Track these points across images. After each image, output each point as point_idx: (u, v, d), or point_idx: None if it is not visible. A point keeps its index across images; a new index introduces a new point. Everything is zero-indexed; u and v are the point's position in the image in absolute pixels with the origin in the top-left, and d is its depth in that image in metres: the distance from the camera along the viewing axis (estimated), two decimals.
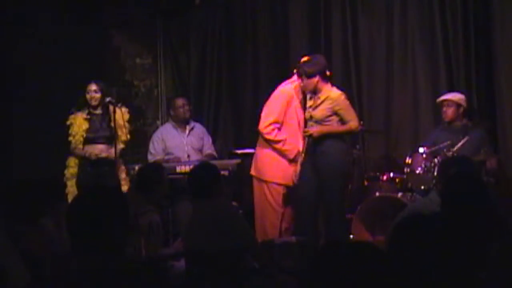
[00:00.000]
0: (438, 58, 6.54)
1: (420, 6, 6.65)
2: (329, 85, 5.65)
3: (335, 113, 5.58)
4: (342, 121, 5.60)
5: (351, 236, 5.93)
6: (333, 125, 5.59)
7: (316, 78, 5.56)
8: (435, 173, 5.62)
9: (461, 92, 6.12)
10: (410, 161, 5.86)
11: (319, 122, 5.61)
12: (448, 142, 5.68)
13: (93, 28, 7.14)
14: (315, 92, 5.62)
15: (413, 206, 4.52)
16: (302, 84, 5.66)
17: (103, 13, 7.34)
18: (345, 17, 7.00)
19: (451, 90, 6.30)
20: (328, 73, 5.65)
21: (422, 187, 5.77)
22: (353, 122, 5.59)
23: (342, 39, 7.01)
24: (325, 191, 5.53)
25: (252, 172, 5.98)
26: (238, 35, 7.57)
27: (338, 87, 5.75)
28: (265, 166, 5.88)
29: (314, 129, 5.57)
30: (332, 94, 5.59)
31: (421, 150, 5.80)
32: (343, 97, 5.62)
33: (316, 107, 5.61)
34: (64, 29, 6.83)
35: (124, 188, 5.89)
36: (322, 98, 5.58)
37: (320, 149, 5.56)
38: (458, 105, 5.96)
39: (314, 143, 5.61)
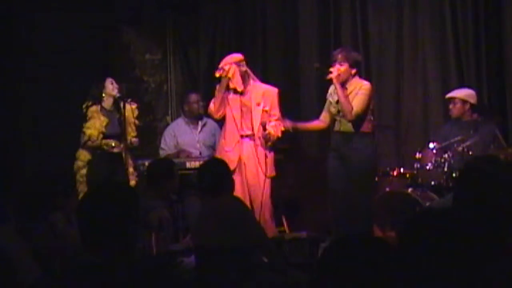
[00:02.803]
0: (448, 53, 6.51)
1: (430, 1, 6.63)
2: (358, 78, 5.55)
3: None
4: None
5: None
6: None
7: (349, 66, 5.45)
8: (445, 169, 5.61)
9: (471, 87, 6.11)
10: (420, 157, 5.85)
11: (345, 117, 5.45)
12: (459, 138, 5.66)
13: (103, 23, 7.15)
14: (344, 83, 5.48)
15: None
16: (337, 71, 5.45)
17: (113, 8, 7.34)
18: (355, 12, 6.97)
19: (461, 85, 6.27)
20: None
21: (433, 183, 5.76)
22: (356, 109, 5.38)
23: (352, 35, 6.97)
24: (354, 187, 5.40)
25: None
26: (248, 30, 7.54)
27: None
28: None
29: (335, 75, 5.41)
30: (361, 84, 5.48)
31: (431, 145, 5.78)
32: (369, 86, 5.49)
33: (339, 101, 5.47)
34: (75, 24, 6.84)
35: (132, 183, 5.90)
36: (350, 89, 5.46)
37: (350, 145, 5.44)
38: (463, 101, 5.93)
39: (343, 139, 5.48)
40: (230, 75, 5.73)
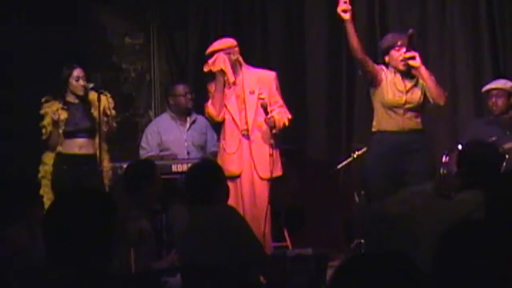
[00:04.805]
0: (482, 39, 6.54)
1: None
2: None
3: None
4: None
5: None
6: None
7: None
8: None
9: (508, 79, 6.12)
10: (447, 160, 5.83)
11: (415, 110, 5.54)
12: (494, 138, 5.65)
13: (74, 1, 7.14)
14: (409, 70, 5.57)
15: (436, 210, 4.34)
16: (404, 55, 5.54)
17: None
18: None
19: (496, 77, 6.26)
20: None
21: None
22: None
23: (367, 20, 7.00)
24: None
25: None
26: (245, 11, 7.55)
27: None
28: None
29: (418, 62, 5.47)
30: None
31: (460, 147, 5.76)
32: None
33: (411, 88, 5.55)
34: (39, 2, 6.85)
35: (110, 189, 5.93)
36: (415, 78, 5.57)
37: (413, 146, 5.48)
38: (509, 94, 5.95)
39: (404, 135, 5.51)
40: (222, 66, 5.73)
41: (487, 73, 6.46)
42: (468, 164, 3.48)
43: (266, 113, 5.71)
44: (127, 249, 4.41)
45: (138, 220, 4.53)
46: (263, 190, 5.78)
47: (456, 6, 6.68)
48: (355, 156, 6.37)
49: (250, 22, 7.51)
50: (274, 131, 5.73)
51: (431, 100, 5.55)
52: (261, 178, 5.75)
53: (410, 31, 5.70)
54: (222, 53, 5.78)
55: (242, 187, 5.78)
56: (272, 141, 5.76)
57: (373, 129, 5.66)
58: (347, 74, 7.03)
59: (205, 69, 5.83)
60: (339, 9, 5.41)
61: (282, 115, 5.78)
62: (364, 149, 6.31)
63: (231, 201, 5.14)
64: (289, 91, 6.13)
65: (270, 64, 6.77)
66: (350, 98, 7.07)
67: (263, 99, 5.74)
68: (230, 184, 5.42)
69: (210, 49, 5.85)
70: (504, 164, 5.39)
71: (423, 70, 5.50)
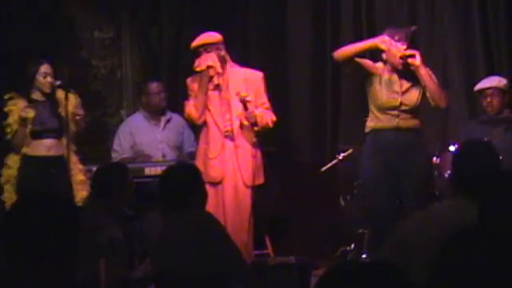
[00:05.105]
0: (474, 35, 6.57)
1: None
2: None
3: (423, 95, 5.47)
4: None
5: (364, 256, 5.91)
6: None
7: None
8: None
9: (502, 76, 6.14)
10: (438, 162, 5.85)
11: (410, 111, 5.45)
12: (487, 139, 5.66)
13: None
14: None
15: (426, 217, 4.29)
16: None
17: None
18: None
19: (490, 74, 6.28)
20: None
21: None
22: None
23: (354, 16, 7.05)
24: (405, 202, 5.37)
25: None
26: (223, 3, 7.54)
27: None
28: None
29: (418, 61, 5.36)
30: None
31: (452, 148, 5.79)
32: None
33: (408, 89, 5.46)
34: None
35: (82, 194, 5.87)
36: (414, 77, 5.46)
37: (409, 147, 5.42)
38: (504, 92, 5.95)
39: (399, 133, 5.44)
40: (210, 64, 5.72)
41: (480, 71, 6.50)
42: (461, 165, 3.46)
43: (246, 108, 5.68)
44: (96, 259, 4.37)
45: (109, 228, 4.51)
46: (246, 197, 5.77)
47: (447, 1, 6.69)
48: (340, 158, 6.37)
49: (228, 16, 7.52)
50: (256, 128, 5.70)
51: (432, 102, 5.44)
52: (246, 185, 5.71)
53: (414, 27, 5.62)
54: (212, 48, 5.74)
55: (224, 194, 5.75)
56: (254, 139, 5.73)
57: (367, 130, 5.58)
58: (332, 73, 7.04)
59: (198, 68, 5.76)
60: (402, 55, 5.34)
61: (265, 115, 5.77)
62: (350, 151, 6.31)
63: (211, 208, 5.14)
64: (271, 91, 6.10)
65: (250, 63, 6.77)
66: (335, 98, 7.10)
67: (249, 101, 5.68)
68: (211, 190, 5.43)
69: (196, 43, 5.81)
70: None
71: (423, 70, 5.37)
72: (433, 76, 5.43)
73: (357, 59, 5.41)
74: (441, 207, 3.49)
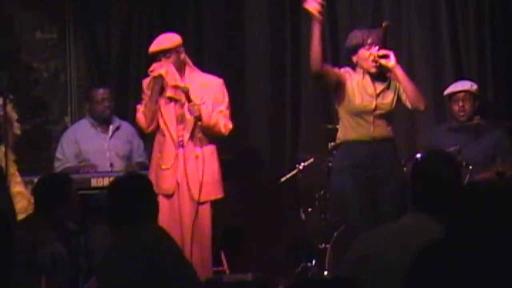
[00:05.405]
0: (442, 36, 6.60)
1: None
2: None
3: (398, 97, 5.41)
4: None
5: (326, 272, 5.94)
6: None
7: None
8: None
9: (472, 81, 6.18)
10: (405, 171, 5.87)
11: (385, 116, 5.38)
12: (456, 147, 5.70)
13: None
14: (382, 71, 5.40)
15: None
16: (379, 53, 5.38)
17: None
18: None
19: (459, 78, 6.32)
20: None
21: None
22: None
23: None
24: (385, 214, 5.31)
25: None
26: (176, 2, 7.54)
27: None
28: None
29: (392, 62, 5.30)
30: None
31: (419, 156, 5.80)
32: None
33: (382, 92, 5.39)
34: None
35: (23, 203, 5.78)
36: (388, 79, 5.41)
37: (385, 158, 5.37)
38: (476, 97, 5.99)
39: (375, 145, 5.37)
40: (163, 72, 5.67)
41: (447, 74, 6.55)
42: (418, 180, 3.42)
43: (189, 100, 5.63)
44: (37, 277, 4.33)
45: (51, 244, 4.46)
46: (206, 211, 5.78)
47: (412, 3, 6.74)
48: (300, 168, 6.35)
49: (182, 14, 7.51)
50: (200, 122, 5.65)
51: (408, 105, 5.38)
52: (198, 200, 5.68)
53: (385, 23, 5.57)
54: (171, 53, 5.71)
55: (181, 207, 5.71)
56: (200, 135, 5.68)
57: (338, 141, 5.51)
58: (292, 76, 7.03)
59: (154, 74, 5.70)
60: (308, 6, 5.16)
61: (216, 116, 5.74)
62: (311, 160, 6.29)
63: (164, 222, 5.12)
64: (227, 86, 6.08)
65: (204, 65, 6.74)
66: (295, 104, 7.10)
67: (185, 86, 5.65)
68: (165, 202, 5.45)
69: (154, 49, 5.74)
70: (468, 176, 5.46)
71: (399, 71, 5.32)
72: (410, 77, 5.40)
73: (327, 68, 5.33)
74: (400, 223, 3.47)
